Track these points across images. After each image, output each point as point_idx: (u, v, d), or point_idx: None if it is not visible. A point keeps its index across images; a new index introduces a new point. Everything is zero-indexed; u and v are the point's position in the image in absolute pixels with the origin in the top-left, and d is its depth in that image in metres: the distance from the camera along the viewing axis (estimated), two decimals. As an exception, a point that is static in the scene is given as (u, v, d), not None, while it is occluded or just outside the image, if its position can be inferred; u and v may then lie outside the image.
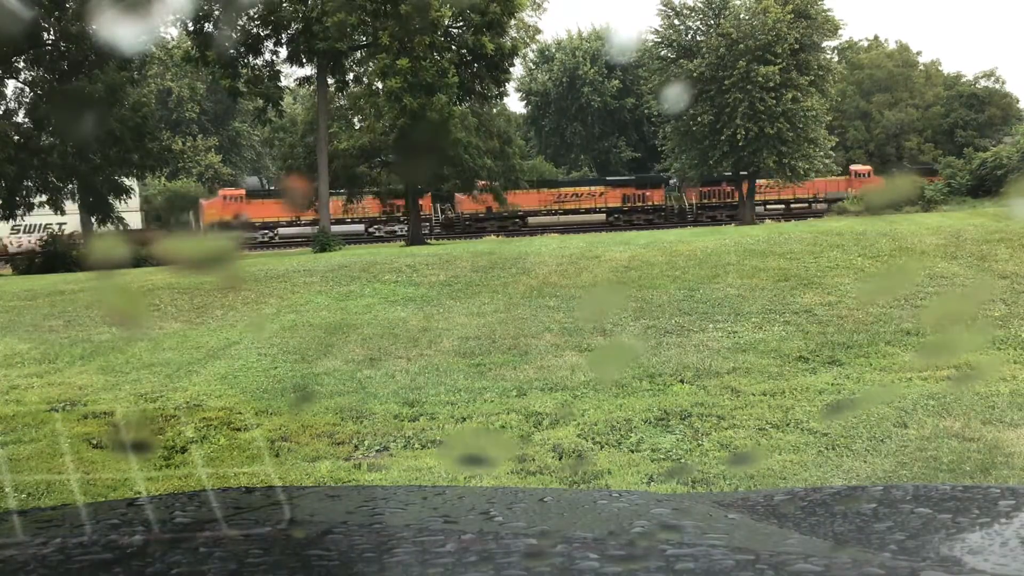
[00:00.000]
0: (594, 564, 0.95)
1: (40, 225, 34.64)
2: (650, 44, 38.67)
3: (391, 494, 1.72)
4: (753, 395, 6.75)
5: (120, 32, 26.49)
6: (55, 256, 23.76)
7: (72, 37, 26.04)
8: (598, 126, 56.91)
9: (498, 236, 36.38)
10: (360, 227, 41.55)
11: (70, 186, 27.27)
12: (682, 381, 7.29)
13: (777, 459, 5.25)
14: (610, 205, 43.81)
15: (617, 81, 55.74)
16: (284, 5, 26.56)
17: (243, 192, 43.06)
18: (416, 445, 5.88)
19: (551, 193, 43.65)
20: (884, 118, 54.77)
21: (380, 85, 27.08)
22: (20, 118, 28.01)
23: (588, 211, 43.33)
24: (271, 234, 40.69)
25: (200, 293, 12.82)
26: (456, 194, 42.27)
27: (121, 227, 28.96)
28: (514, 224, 42.21)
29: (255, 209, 40.96)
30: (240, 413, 6.83)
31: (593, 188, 43.74)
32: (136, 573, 1.03)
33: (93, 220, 28.04)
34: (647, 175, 47.84)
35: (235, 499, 1.53)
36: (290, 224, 40.41)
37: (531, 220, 42.80)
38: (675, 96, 35.26)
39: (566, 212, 43.30)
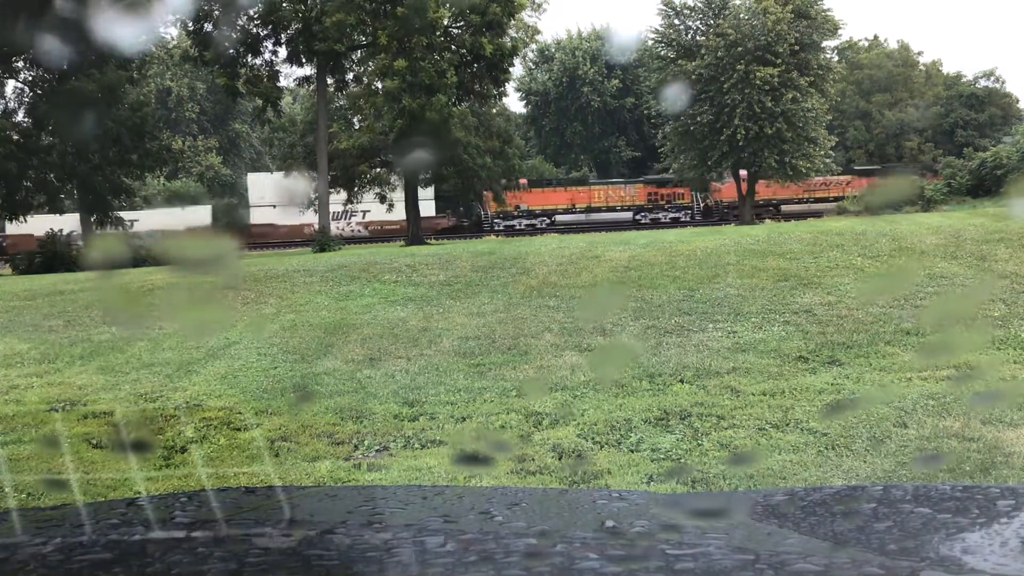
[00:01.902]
0: (594, 564, 0.95)
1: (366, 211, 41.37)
2: (650, 44, 38.68)
3: (391, 494, 1.72)
4: (753, 395, 6.74)
5: (120, 32, 26.47)
6: (55, 256, 23.75)
7: (72, 37, 26.02)
8: (598, 126, 56.89)
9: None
10: (628, 215, 45.08)
11: (69, 186, 27.27)
12: (682, 381, 7.29)
13: (777, 459, 5.24)
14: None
15: (617, 81, 55.73)
16: (284, 5, 26.56)
17: (524, 181, 46.22)
18: (416, 445, 5.88)
19: (804, 183, 44.99)
20: (884, 118, 54.78)
21: (380, 85, 27.10)
22: (20, 118, 28.02)
23: (836, 199, 44.49)
24: (548, 221, 44.28)
25: (200, 293, 12.80)
26: (713, 183, 44.50)
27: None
28: (768, 212, 43.88)
29: (534, 198, 44.54)
30: (240, 413, 6.83)
31: (841, 178, 45.00)
32: (136, 573, 1.03)
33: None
34: (893, 164, 49.49)
35: (235, 499, 1.53)
36: (566, 212, 44.69)
37: (784, 208, 44.30)
38: (675, 96, 35.26)
39: (816, 201, 44.76)
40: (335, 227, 41.76)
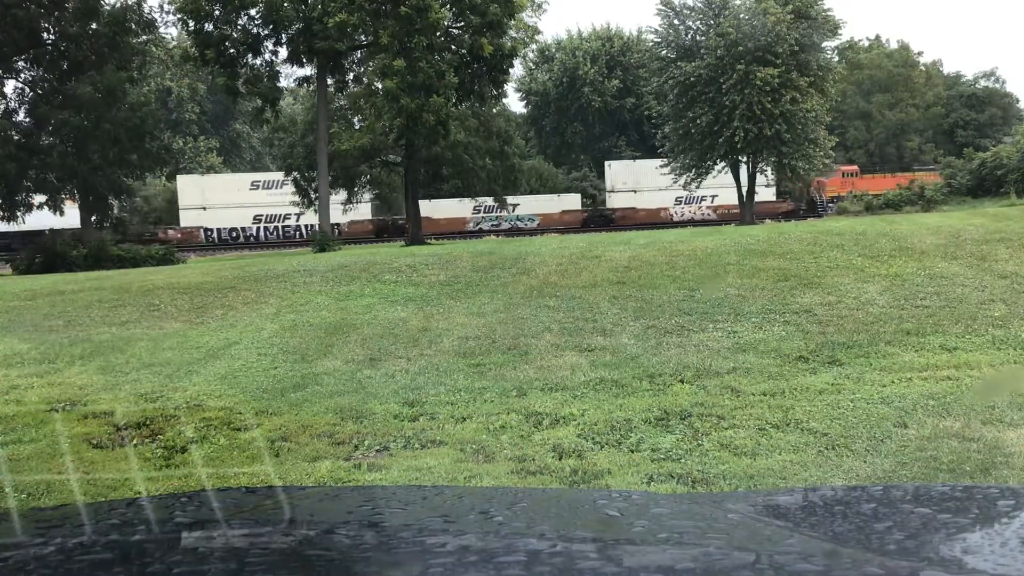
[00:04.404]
0: (594, 564, 0.95)
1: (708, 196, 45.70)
2: (650, 44, 38.64)
3: (391, 494, 1.73)
4: (753, 395, 6.74)
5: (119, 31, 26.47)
6: (55, 256, 23.75)
7: (72, 37, 26.02)
8: (598, 126, 56.90)
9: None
10: None
11: (69, 186, 27.27)
12: (682, 381, 7.29)
13: (777, 459, 5.24)
14: None
15: (617, 81, 55.74)
16: (285, 5, 26.55)
17: (856, 168, 49.41)
18: (416, 445, 5.88)
19: None
20: (884, 118, 54.79)
21: (380, 85, 27.10)
22: (20, 118, 28.00)
23: None
24: None
25: (200, 293, 12.82)
26: None
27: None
28: None
29: (865, 184, 47.07)
30: (240, 413, 6.82)
31: None
32: (136, 573, 1.03)
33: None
34: None
35: (235, 499, 1.54)
36: None
37: None
38: (674, 97, 35.22)
39: None
40: (687, 211, 48.75)
